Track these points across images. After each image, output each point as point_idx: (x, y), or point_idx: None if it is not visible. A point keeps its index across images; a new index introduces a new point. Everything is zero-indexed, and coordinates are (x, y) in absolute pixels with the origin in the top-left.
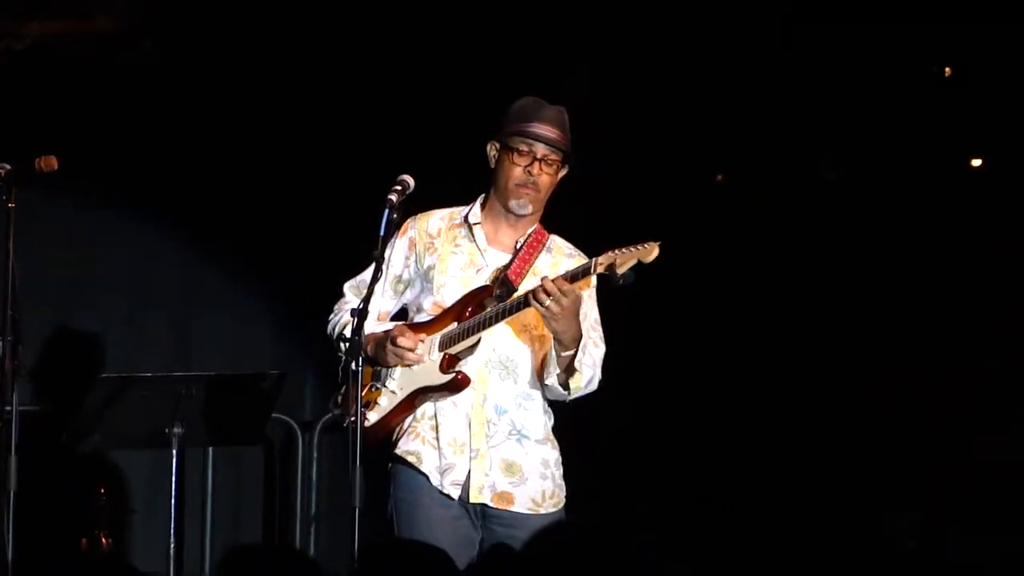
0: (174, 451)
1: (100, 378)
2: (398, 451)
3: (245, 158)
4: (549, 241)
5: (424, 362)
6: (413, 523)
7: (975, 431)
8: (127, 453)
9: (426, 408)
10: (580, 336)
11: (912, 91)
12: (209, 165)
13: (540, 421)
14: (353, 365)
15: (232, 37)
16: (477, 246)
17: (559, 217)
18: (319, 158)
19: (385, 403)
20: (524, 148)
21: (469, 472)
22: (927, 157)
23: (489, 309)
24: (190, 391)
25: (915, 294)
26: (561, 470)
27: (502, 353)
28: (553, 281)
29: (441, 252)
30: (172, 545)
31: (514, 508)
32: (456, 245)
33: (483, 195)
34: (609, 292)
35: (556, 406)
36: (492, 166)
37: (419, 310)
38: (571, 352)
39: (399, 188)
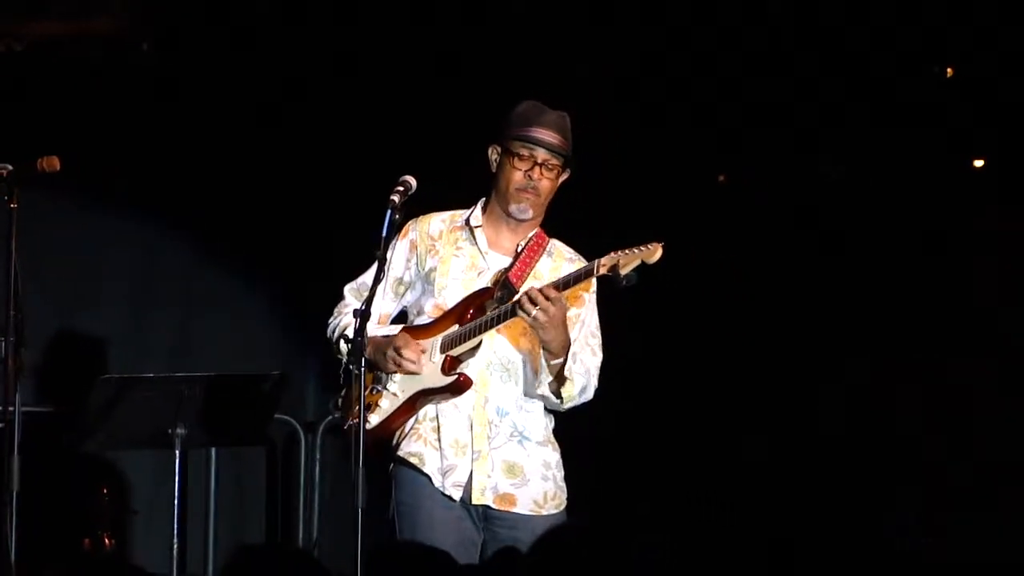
0: (177, 451)
1: (103, 378)
2: (400, 453)
3: (248, 159)
4: (550, 245)
5: (425, 365)
6: (415, 525)
7: (975, 430)
8: (130, 453)
9: (427, 410)
10: (568, 344)
11: (914, 91)
12: (212, 166)
13: (541, 423)
14: (355, 367)
15: (235, 37)
16: (479, 249)
17: (561, 219)
18: (322, 159)
19: (386, 405)
20: (524, 153)
21: (471, 473)
22: (929, 157)
23: (490, 312)
24: (193, 391)
25: (917, 293)
26: (562, 472)
27: (503, 355)
28: (539, 290)
29: (442, 254)
30: (175, 545)
31: (516, 509)
32: (457, 248)
33: (484, 198)
34: (610, 294)
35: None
36: (493, 170)
37: (420, 312)
38: (560, 360)
39: (401, 189)
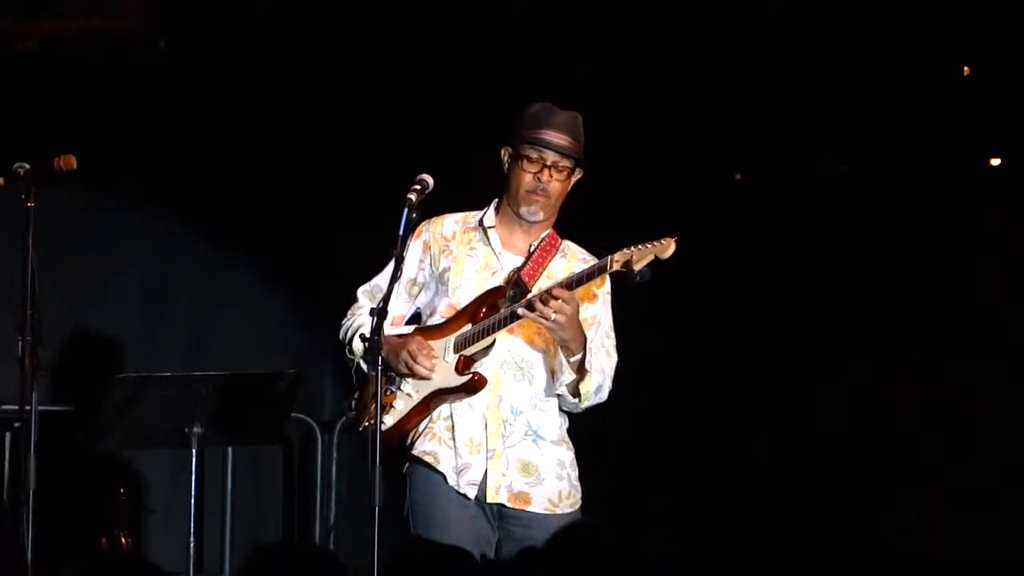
0: (193, 450)
1: (119, 378)
2: (414, 451)
3: (264, 157)
4: (563, 246)
5: (439, 365)
6: (430, 523)
7: (975, 430)
8: (147, 453)
9: (442, 409)
10: (585, 339)
11: (916, 90)
12: (228, 164)
13: (556, 422)
14: (371, 366)
15: (248, 36)
16: (492, 249)
17: (574, 217)
18: (338, 157)
19: (401, 406)
20: (534, 155)
21: (486, 472)
22: (929, 157)
23: (503, 310)
24: (209, 390)
25: (919, 293)
26: (576, 471)
27: (517, 354)
28: (550, 293)
29: (456, 255)
30: (192, 544)
31: (531, 508)
32: (471, 248)
33: (497, 200)
34: (623, 290)
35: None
36: (505, 172)
37: (433, 313)
38: (579, 356)
39: (418, 187)
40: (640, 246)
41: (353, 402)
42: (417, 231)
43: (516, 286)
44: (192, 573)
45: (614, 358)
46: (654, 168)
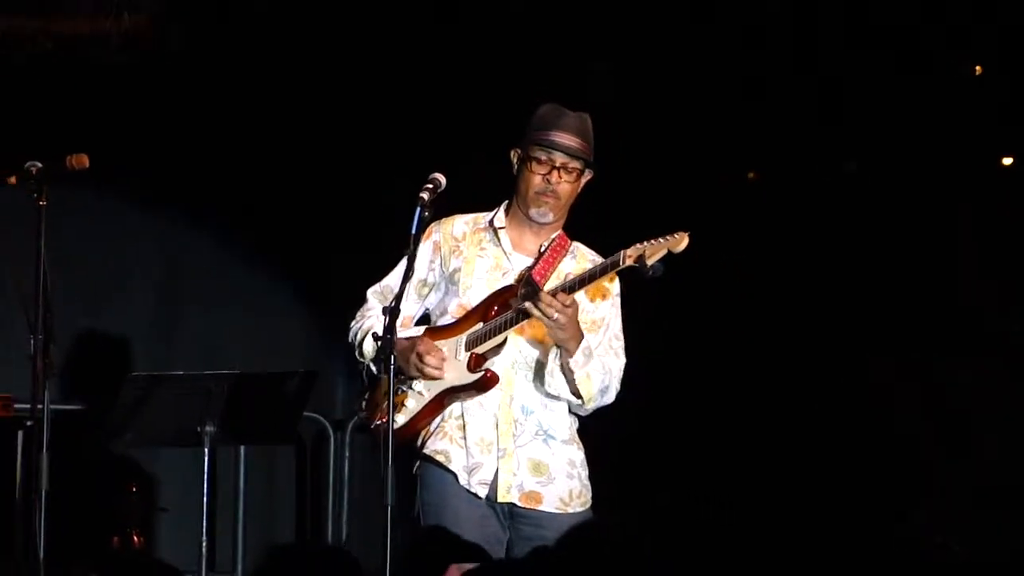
0: (206, 449)
1: (131, 376)
2: (426, 450)
3: (277, 156)
4: (573, 247)
5: (451, 363)
6: (441, 521)
7: (987, 430)
8: (159, 451)
9: (453, 408)
10: (582, 338)
11: (944, 89)
12: (241, 163)
13: (566, 422)
14: (383, 365)
15: (266, 35)
16: (503, 250)
17: (584, 218)
18: (351, 156)
19: (412, 405)
20: (543, 157)
21: (497, 471)
22: (958, 155)
23: (515, 309)
24: (222, 389)
25: (920, 293)
26: (587, 471)
27: (528, 354)
28: (554, 295)
29: (467, 255)
30: (204, 543)
31: (542, 507)
32: (482, 249)
33: (507, 201)
34: (633, 285)
35: None
36: (515, 173)
37: (443, 313)
38: (572, 358)
39: (431, 186)
40: (652, 241)
41: (363, 402)
42: (427, 232)
43: (528, 285)
44: (204, 572)
45: (622, 360)
46: (665, 168)
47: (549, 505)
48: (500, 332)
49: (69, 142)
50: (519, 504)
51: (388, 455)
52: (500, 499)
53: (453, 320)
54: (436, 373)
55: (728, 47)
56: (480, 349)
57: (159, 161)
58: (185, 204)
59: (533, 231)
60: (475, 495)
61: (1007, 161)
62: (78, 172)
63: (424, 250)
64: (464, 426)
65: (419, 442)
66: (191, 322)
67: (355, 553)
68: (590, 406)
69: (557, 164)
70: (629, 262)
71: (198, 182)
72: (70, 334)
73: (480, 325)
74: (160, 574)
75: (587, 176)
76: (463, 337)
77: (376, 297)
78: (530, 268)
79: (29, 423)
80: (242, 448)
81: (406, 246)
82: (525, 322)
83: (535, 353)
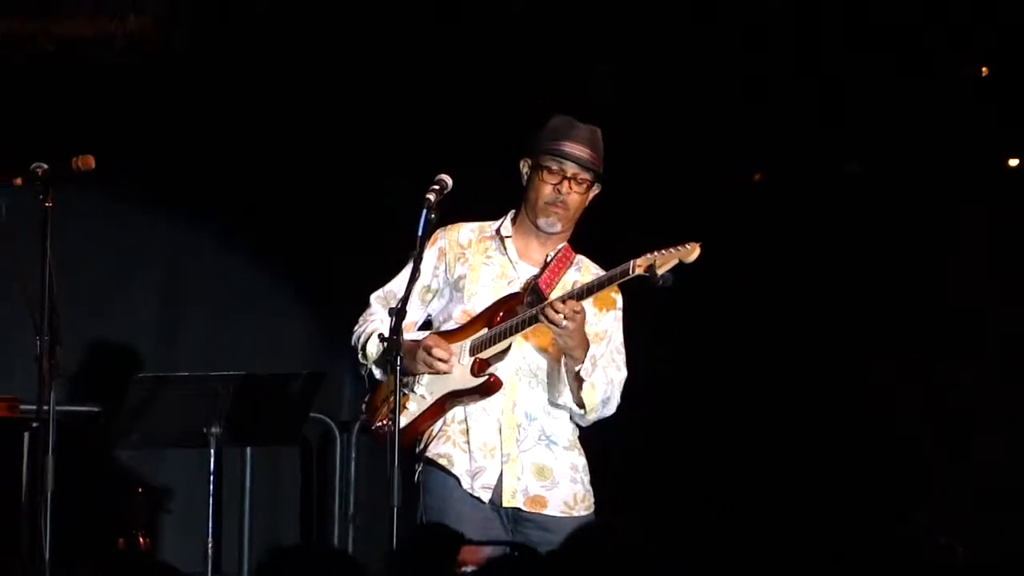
0: (211, 451)
1: (137, 377)
2: (428, 454)
3: (280, 158)
4: (577, 260)
5: (454, 367)
6: (443, 521)
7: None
8: (164, 453)
9: (456, 412)
10: (588, 347)
11: (950, 91)
12: (244, 165)
13: (568, 428)
14: (385, 369)
15: (269, 37)
16: (509, 259)
17: (592, 229)
18: (353, 157)
19: (414, 408)
20: (554, 167)
21: (500, 475)
22: (964, 157)
23: (520, 315)
24: (227, 390)
25: (937, 293)
26: (588, 476)
27: (532, 361)
28: (564, 302)
29: (472, 262)
30: (210, 545)
31: (547, 511)
32: (487, 256)
33: (514, 210)
34: (638, 293)
35: None
36: (524, 183)
37: (448, 319)
38: (580, 366)
39: (437, 187)
40: (663, 250)
41: (364, 405)
42: (432, 238)
43: (533, 292)
44: (210, 573)
45: (623, 373)
46: (667, 170)
47: (554, 509)
48: (505, 338)
49: (73, 144)
50: (524, 508)
51: (395, 456)
52: (505, 504)
53: (457, 326)
54: (444, 367)
55: (730, 48)
56: (484, 354)
57: (163, 163)
58: (189, 206)
59: (540, 241)
60: (478, 499)
61: (1013, 162)
62: (84, 173)
63: (429, 256)
64: (467, 430)
65: (421, 446)
66: (194, 324)
67: (359, 554)
68: (591, 416)
69: (568, 175)
70: (639, 271)
71: (202, 184)
72: (76, 336)
73: (485, 330)
74: (165, 575)
75: (595, 190)
76: (467, 342)
77: (379, 302)
78: (535, 277)
79: (35, 424)
80: (248, 449)
81: (410, 247)
82: (529, 329)
83: (539, 360)
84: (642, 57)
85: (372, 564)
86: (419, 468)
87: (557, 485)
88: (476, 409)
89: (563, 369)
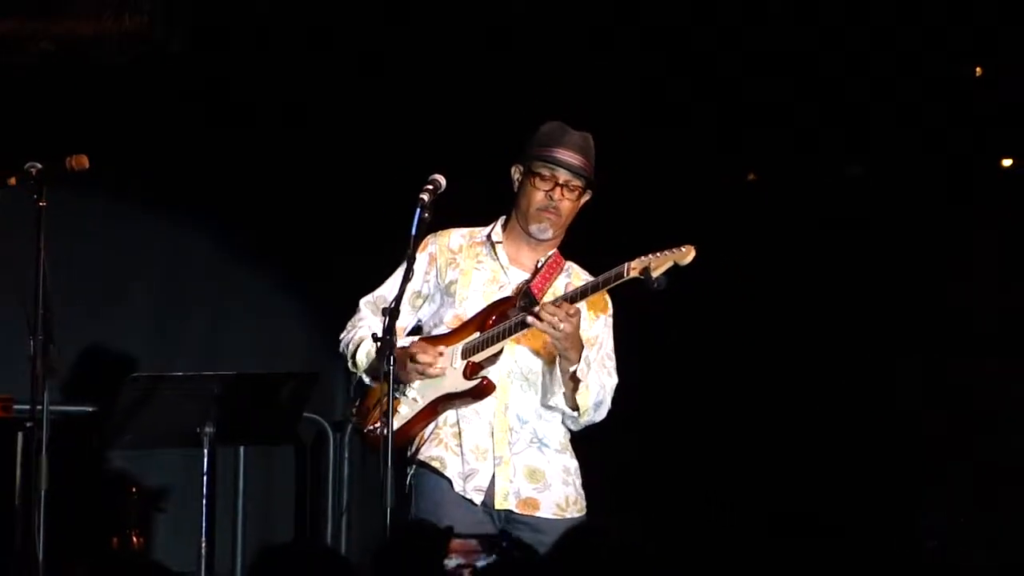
0: (205, 450)
1: (131, 377)
2: (420, 457)
3: (278, 158)
4: (567, 266)
5: (446, 370)
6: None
7: (989, 432)
8: (158, 452)
9: (448, 415)
10: (582, 348)
11: (943, 90)
12: (242, 165)
13: (560, 431)
14: (374, 374)
15: (261, 37)
16: (500, 264)
17: (584, 220)
18: (352, 158)
19: (406, 411)
20: (546, 173)
21: (493, 478)
22: (957, 156)
23: (512, 319)
24: (221, 390)
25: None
26: (580, 479)
27: (524, 365)
28: (557, 305)
29: (463, 267)
30: (203, 544)
31: (539, 513)
32: (478, 262)
33: (505, 216)
34: (629, 296)
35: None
36: (515, 189)
37: (438, 324)
38: (576, 367)
39: (431, 187)
40: (658, 253)
41: (354, 410)
42: (423, 243)
43: (525, 296)
44: (203, 573)
45: (614, 379)
46: (664, 172)
47: (546, 511)
48: (497, 342)
49: (69, 143)
50: (516, 511)
51: (388, 457)
52: (497, 506)
53: (449, 330)
54: (434, 371)
55: (729, 48)
56: (477, 358)
57: (160, 163)
58: (186, 206)
59: (531, 247)
60: (470, 501)
61: (1007, 163)
62: (78, 173)
63: (420, 262)
64: (459, 433)
65: (413, 449)
66: (192, 324)
67: (352, 555)
68: (584, 419)
69: (560, 181)
70: (633, 274)
71: (199, 184)
72: (70, 336)
73: (477, 334)
74: (159, 575)
75: (586, 197)
76: (460, 345)
77: (368, 307)
78: (527, 282)
79: (29, 424)
80: (241, 449)
81: (406, 248)
82: (521, 333)
83: (531, 363)
84: (642, 57)
85: (364, 563)
86: (411, 471)
87: (549, 487)
88: (468, 412)
89: (557, 371)
